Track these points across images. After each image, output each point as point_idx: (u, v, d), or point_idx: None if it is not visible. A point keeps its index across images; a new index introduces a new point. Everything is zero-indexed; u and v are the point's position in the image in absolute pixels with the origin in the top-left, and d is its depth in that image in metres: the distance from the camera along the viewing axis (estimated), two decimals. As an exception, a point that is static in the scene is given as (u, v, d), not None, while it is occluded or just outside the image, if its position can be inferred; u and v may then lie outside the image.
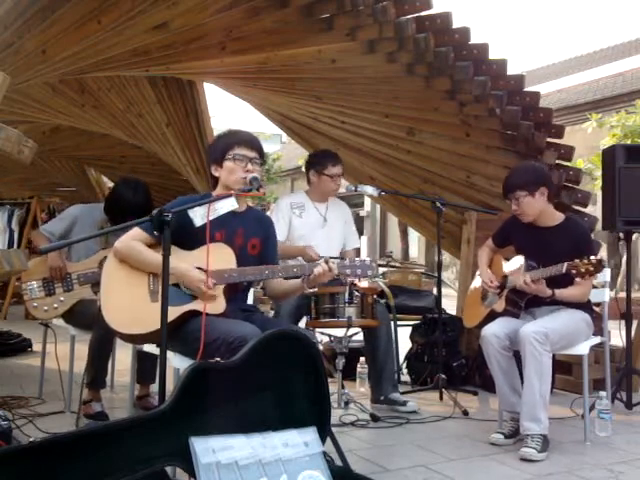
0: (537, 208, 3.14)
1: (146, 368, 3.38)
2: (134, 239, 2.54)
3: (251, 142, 2.67)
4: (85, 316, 3.34)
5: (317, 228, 3.85)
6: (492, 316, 3.18)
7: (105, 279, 2.55)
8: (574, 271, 2.83)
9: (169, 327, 2.25)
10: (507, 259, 3.36)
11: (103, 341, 3.26)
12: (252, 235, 2.71)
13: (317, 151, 4.33)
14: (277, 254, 2.87)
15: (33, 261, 3.49)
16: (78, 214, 3.63)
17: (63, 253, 3.57)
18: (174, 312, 2.37)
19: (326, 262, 2.53)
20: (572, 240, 3.08)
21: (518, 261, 3.16)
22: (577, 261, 2.83)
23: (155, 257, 2.46)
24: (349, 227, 4.06)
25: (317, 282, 2.57)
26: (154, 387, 3.46)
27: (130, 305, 2.47)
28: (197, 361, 2.20)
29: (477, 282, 3.51)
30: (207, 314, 2.36)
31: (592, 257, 2.84)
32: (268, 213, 3.91)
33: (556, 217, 3.21)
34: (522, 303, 3.12)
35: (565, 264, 2.85)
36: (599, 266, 2.80)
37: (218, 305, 2.45)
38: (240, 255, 2.58)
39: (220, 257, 2.50)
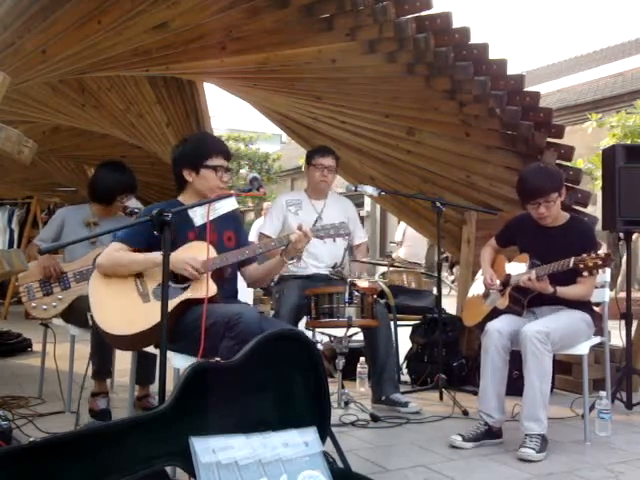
0: (559, 208, 3.17)
1: (145, 369, 3.38)
2: (115, 250, 2.64)
3: (226, 152, 2.81)
4: (85, 311, 3.35)
5: (312, 225, 3.85)
6: (494, 314, 3.19)
7: (93, 294, 2.62)
8: (582, 265, 2.81)
9: (168, 322, 2.28)
10: (509, 259, 3.36)
11: None
12: (225, 228, 2.79)
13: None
14: (248, 241, 3.01)
15: (30, 264, 3.50)
16: (64, 216, 3.73)
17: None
18: (170, 305, 2.39)
19: (299, 228, 2.67)
20: (577, 239, 3.08)
21: (523, 260, 3.17)
22: (584, 255, 2.82)
23: (141, 255, 2.59)
24: (353, 223, 4.06)
25: (296, 250, 2.69)
26: (154, 387, 3.46)
27: (123, 309, 2.53)
28: (198, 360, 2.20)
29: (478, 282, 3.51)
30: (203, 301, 2.42)
31: (600, 251, 2.83)
32: (263, 213, 3.98)
33: (562, 216, 3.22)
34: (525, 301, 3.12)
35: (572, 259, 2.85)
36: (608, 259, 2.79)
37: (209, 289, 2.50)
38: (218, 250, 2.66)
39: (200, 252, 2.57)
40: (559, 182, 3.13)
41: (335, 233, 2.77)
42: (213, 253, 2.61)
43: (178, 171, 2.80)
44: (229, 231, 2.82)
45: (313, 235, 2.71)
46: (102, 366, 3.39)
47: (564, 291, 3.01)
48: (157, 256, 2.37)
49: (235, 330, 2.33)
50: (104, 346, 3.34)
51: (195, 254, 2.56)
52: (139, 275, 2.61)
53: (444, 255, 8.17)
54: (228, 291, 2.77)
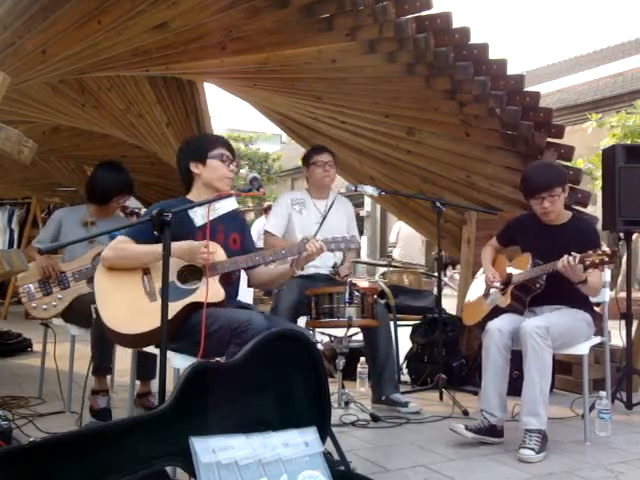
0: (562, 205, 3.16)
1: (145, 364, 3.39)
2: (121, 243, 2.61)
3: (229, 144, 2.84)
4: (85, 310, 3.35)
5: (315, 225, 3.86)
6: (495, 313, 3.19)
7: (99, 289, 2.59)
8: (587, 262, 2.80)
9: (173, 324, 2.29)
10: (510, 259, 3.36)
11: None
12: (232, 230, 2.78)
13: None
14: (254, 243, 3.00)
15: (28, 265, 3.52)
16: (61, 217, 3.75)
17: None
18: (175, 307, 2.40)
19: (307, 240, 2.66)
20: (580, 237, 3.08)
21: (525, 259, 3.16)
22: (590, 252, 2.81)
23: (147, 248, 2.55)
24: (351, 224, 4.07)
25: (308, 261, 2.69)
26: (155, 386, 3.46)
27: (130, 307, 2.50)
28: (197, 360, 2.20)
29: (478, 281, 3.51)
30: (208, 304, 2.41)
31: (605, 248, 2.83)
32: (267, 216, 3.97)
33: (564, 215, 3.23)
34: (526, 300, 3.12)
35: (578, 256, 2.83)
36: (614, 256, 2.78)
37: (217, 293, 2.50)
38: (224, 251, 2.64)
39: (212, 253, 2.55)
40: (563, 178, 3.15)
41: (346, 246, 2.77)
42: (222, 255, 2.60)
43: (185, 168, 2.77)
44: (235, 233, 2.81)
45: (325, 248, 2.70)
46: (102, 362, 3.39)
47: (590, 280, 2.95)
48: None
49: (243, 337, 2.30)
50: (104, 342, 3.34)
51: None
52: (147, 272, 2.57)
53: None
54: (231, 293, 2.76)
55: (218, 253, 2.59)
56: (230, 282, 2.67)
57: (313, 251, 2.64)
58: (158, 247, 2.41)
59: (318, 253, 2.67)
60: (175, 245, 2.43)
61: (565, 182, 3.14)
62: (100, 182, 3.71)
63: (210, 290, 2.47)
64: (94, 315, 2.86)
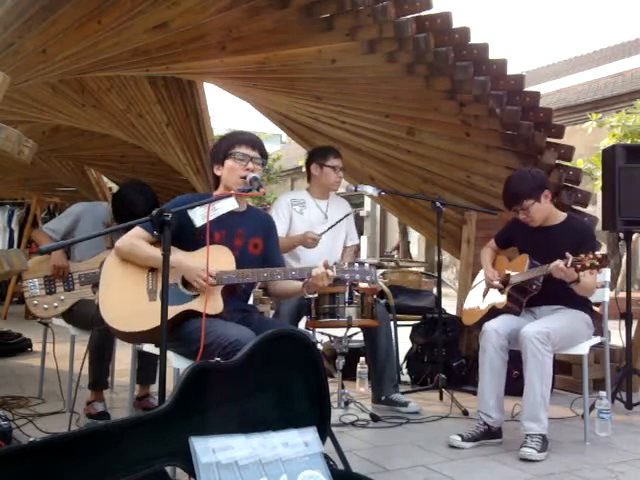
0: (544, 212, 3.16)
1: (146, 369, 3.38)
2: (136, 237, 2.56)
3: (253, 142, 2.68)
4: (84, 316, 3.34)
5: (318, 225, 3.85)
6: (493, 313, 3.19)
7: (104, 277, 2.57)
8: (579, 265, 2.80)
9: (167, 326, 2.25)
10: (510, 259, 3.37)
11: (102, 343, 3.25)
12: (253, 235, 2.70)
13: (318, 146, 4.36)
14: (280, 252, 2.87)
15: (36, 259, 3.49)
16: (81, 211, 3.63)
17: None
18: (171, 311, 2.36)
19: (325, 266, 2.51)
20: (575, 238, 3.08)
21: (523, 261, 3.17)
22: (582, 255, 2.80)
23: (157, 251, 2.47)
24: (350, 224, 4.07)
25: (316, 286, 2.54)
26: (154, 387, 3.46)
27: (128, 303, 2.49)
28: (197, 361, 2.20)
29: (477, 288, 3.51)
30: (206, 314, 2.36)
31: (597, 252, 2.82)
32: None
33: (558, 216, 3.23)
34: (524, 301, 3.12)
35: (570, 259, 2.82)
36: (604, 260, 2.77)
37: (216, 306, 2.45)
38: (241, 255, 2.59)
39: (220, 259, 2.51)
40: (532, 188, 3.10)
41: (360, 278, 2.55)
42: (232, 263, 2.53)
43: (211, 170, 2.74)
44: (257, 237, 2.72)
45: (336, 275, 2.51)
46: (100, 377, 3.36)
47: (584, 280, 2.94)
48: (172, 259, 2.28)
49: (231, 357, 2.23)
50: (103, 356, 3.33)
51: (215, 259, 2.46)
52: (154, 268, 2.55)
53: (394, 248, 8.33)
54: (241, 300, 2.72)
55: (228, 262, 2.52)
56: (234, 293, 2.61)
57: (320, 275, 2.48)
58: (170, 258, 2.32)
59: (327, 280, 2.50)
60: (174, 259, 2.37)
61: (536, 191, 3.10)
62: (127, 206, 3.46)
63: (209, 301, 2.42)
64: (96, 302, 2.80)
